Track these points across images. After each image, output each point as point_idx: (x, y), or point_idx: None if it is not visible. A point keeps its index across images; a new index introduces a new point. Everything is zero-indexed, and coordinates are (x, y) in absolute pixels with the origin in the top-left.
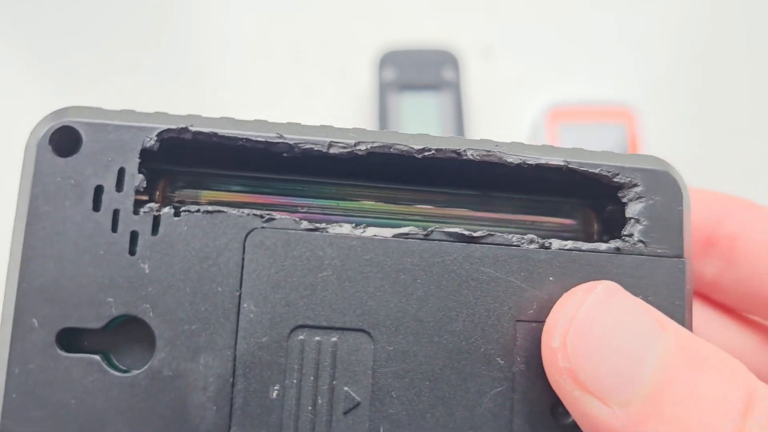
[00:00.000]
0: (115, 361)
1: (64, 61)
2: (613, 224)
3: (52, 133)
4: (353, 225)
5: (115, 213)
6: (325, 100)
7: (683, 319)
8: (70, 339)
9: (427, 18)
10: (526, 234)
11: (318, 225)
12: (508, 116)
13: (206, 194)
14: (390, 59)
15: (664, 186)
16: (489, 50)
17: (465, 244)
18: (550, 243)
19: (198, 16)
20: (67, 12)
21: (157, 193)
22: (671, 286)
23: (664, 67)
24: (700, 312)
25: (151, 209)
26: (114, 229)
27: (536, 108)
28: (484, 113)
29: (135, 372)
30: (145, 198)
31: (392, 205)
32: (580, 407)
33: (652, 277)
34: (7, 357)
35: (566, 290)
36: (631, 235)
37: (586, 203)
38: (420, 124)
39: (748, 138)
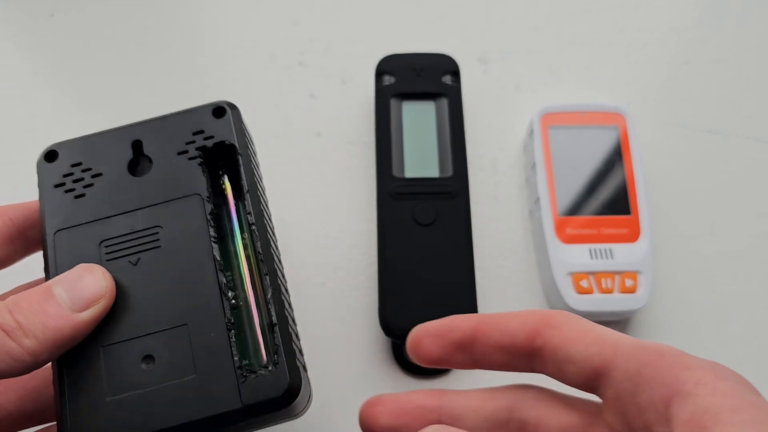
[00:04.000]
0: None
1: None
2: None
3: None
4: None
5: None
6: (328, 105)
7: None
8: None
9: (427, 23)
10: None
11: None
12: (506, 121)
13: None
14: (388, 63)
15: None
16: (486, 56)
17: None
18: None
19: (202, 21)
20: None
21: None
22: None
23: (655, 71)
24: (545, 398)
25: None
26: None
27: (530, 113)
28: (483, 118)
29: None
30: None
31: None
32: None
33: None
34: None
35: None
36: None
37: None
38: (419, 128)
39: (738, 142)
